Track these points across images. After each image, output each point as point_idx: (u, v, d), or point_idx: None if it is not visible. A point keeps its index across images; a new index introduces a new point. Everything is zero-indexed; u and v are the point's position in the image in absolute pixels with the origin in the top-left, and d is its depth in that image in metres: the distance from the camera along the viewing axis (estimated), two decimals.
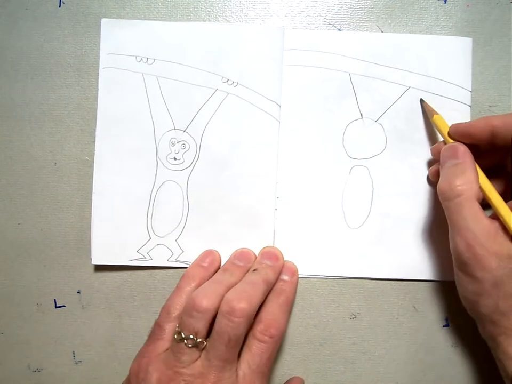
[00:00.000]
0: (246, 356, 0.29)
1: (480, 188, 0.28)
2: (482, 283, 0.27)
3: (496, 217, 0.28)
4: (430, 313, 0.34)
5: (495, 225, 0.27)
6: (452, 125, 0.31)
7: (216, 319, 0.29)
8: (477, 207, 0.28)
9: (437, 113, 0.33)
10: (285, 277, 0.33)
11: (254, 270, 0.32)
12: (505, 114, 0.29)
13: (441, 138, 0.33)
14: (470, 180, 0.28)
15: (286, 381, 0.34)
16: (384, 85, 0.35)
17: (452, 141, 0.31)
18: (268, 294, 0.32)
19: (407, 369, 0.34)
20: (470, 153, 0.29)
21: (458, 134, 0.30)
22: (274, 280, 0.32)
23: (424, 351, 0.34)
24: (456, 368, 0.34)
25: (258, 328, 0.29)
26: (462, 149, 0.29)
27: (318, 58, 0.35)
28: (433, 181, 0.34)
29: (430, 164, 0.34)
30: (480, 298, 0.27)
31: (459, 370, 0.34)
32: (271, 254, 0.33)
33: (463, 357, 0.34)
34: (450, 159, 0.29)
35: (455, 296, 0.34)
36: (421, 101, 0.34)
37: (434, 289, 0.34)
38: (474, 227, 0.27)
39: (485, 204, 0.29)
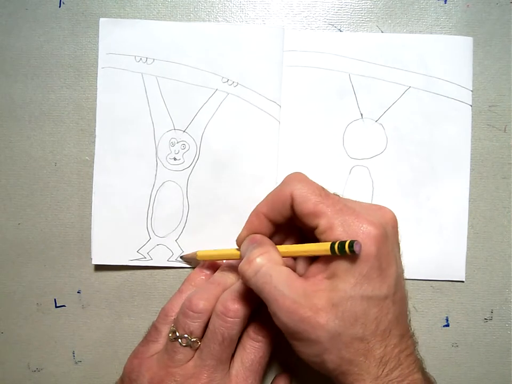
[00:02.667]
0: (240, 354, 0.29)
1: (284, 254, 0.28)
2: (320, 343, 0.25)
3: (310, 274, 0.27)
4: (430, 313, 0.34)
5: (309, 282, 0.26)
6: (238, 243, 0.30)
7: (211, 319, 0.29)
8: (284, 271, 0.26)
9: (197, 251, 0.33)
10: None
11: None
12: (267, 196, 0.29)
13: (442, 145, 0.33)
14: (266, 249, 0.27)
15: (273, 378, 0.34)
16: (384, 85, 0.34)
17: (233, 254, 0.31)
18: None
19: None
20: (267, 238, 0.29)
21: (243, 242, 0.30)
22: None
23: (424, 351, 0.34)
24: (456, 368, 0.34)
25: (253, 327, 0.30)
26: (258, 236, 0.29)
27: (317, 59, 0.35)
28: None
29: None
30: (324, 357, 0.26)
31: (459, 370, 0.34)
32: None
33: (463, 356, 0.34)
34: (248, 246, 0.29)
35: (455, 296, 0.34)
36: (181, 257, 0.34)
37: (434, 289, 0.34)
38: (289, 292, 0.25)
39: None
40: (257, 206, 0.30)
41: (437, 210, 0.34)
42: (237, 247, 0.31)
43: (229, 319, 0.28)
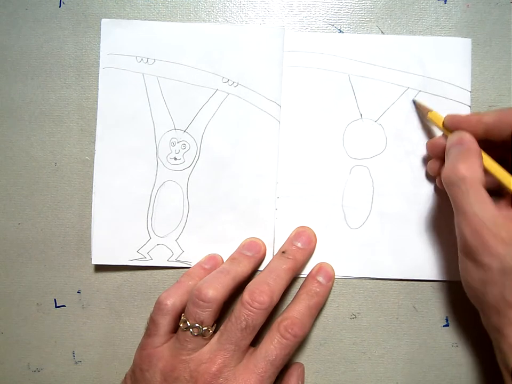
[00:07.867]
0: (265, 346, 0.29)
1: (486, 169, 0.28)
2: (490, 270, 0.26)
3: (504, 205, 0.28)
4: (430, 313, 0.34)
5: (503, 213, 0.27)
6: (447, 115, 0.31)
7: (236, 306, 0.29)
8: (483, 192, 0.27)
9: (431, 110, 0.33)
10: (321, 279, 0.32)
11: (283, 252, 0.32)
12: (499, 110, 0.29)
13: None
14: (474, 165, 0.28)
15: (287, 369, 0.33)
16: (383, 85, 0.35)
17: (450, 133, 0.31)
18: (300, 290, 0.32)
19: (407, 369, 0.34)
20: (475, 141, 0.29)
21: (453, 126, 0.31)
22: (302, 266, 0.33)
23: (424, 351, 0.34)
24: (456, 368, 0.34)
25: (285, 323, 0.29)
26: (468, 137, 0.29)
27: (317, 60, 0.35)
28: (432, 175, 0.34)
29: (429, 160, 0.34)
30: (486, 287, 0.26)
31: (459, 370, 0.34)
32: (304, 236, 0.33)
33: (463, 356, 0.34)
34: (455, 145, 0.29)
35: (455, 296, 0.34)
36: (413, 102, 0.34)
37: (434, 289, 0.34)
38: (481, 212, 0.26)
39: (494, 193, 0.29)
40: (484, 112, 0.30)
41: (437, 210, 0.34)
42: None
43: (255, 310, 0.28)
